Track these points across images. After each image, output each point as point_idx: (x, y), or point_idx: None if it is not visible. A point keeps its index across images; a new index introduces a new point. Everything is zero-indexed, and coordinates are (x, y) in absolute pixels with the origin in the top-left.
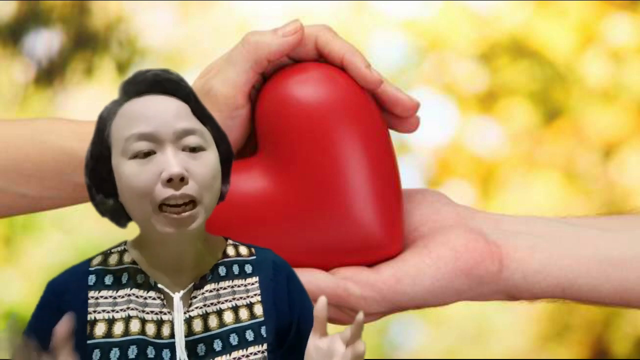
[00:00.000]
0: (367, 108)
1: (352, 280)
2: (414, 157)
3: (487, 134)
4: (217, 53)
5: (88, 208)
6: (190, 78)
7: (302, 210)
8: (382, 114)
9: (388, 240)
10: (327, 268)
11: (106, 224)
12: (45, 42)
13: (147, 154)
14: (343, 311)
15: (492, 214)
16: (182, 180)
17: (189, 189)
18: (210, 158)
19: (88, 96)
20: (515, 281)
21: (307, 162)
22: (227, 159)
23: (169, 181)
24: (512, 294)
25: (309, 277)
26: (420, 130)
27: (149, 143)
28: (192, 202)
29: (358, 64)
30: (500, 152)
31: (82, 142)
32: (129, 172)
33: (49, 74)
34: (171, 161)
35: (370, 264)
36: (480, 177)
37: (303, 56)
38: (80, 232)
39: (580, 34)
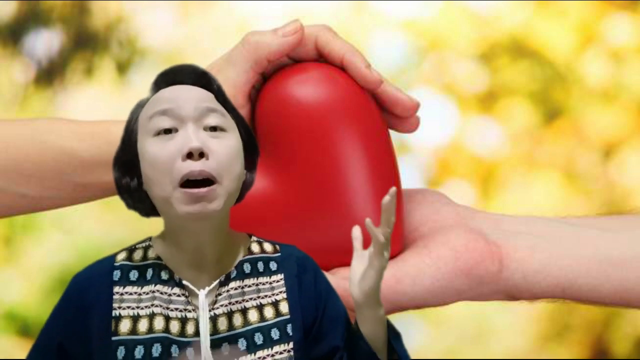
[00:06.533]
0: (367, 108)
1: None
2: (414, 157)
3: (487, 134)
4: (217, 53)
5: (88, 208)
6: None
7: (302, 210)
8: (382, 114)
9: None
10: (327, 268)
11: (106, 223)
12: (45, 42)
13: (169, 131)
14: None
15: (492, 214)
16: (202, 155)
17: (209, 166)
18: (231, 139)
19: (88, 96)
20: (515, 281)
21: (307, 162)
22: (252, 150)
23: (189, 156)
24: (512, 294)
25: None
26: (420, 130)
27: (170, 120)
28: (211, 182)
29: (358, 64)
30: (500, 152)
31: (82, 142)
32: (151, 149)
33: (49, 74)
34: (191, 136)
35: None
36: (480, 177)
37: (303, 56)
38: (80, 232)
39: (580, 34)
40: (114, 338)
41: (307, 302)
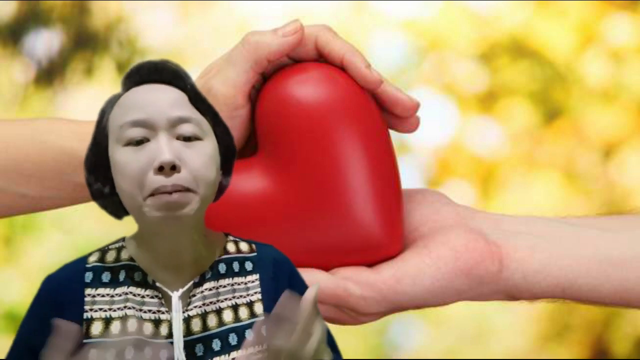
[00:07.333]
0: (367, 108)
1: (352, 280)
2: (414, 157)
3: (487, 134)
4: (217, 53)
5: (88, 208)
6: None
7: (302, 210)
8: (382, 114)
9: (388, 240)
10: (327, 268)
11: (106, 223)
12: (45, 42)
13: (140, 142)
14: (343, 311)
15: (492, 214)
16: (174, 168)
17: (181, 178)
18: (206, 147)
19: (88, 96)
20: (515, 281)
21: (307, 162)
22: (229, 152)
23: (161, 169)
24: (512, 294)
25: (309, 277)
26: (420, 130)
27: (142, 130)
28: (184, 190)
29: (358, 64)
30: (500, 152)
31: (82, 142)
32: (121, 159)
33: (49, 74)
34: (163, 148)
35: (370, 264)
36: (480, 177)
37: (303, 56)
38: (80, 232)
39: (580, 34)
40: (85, 340)
41: None
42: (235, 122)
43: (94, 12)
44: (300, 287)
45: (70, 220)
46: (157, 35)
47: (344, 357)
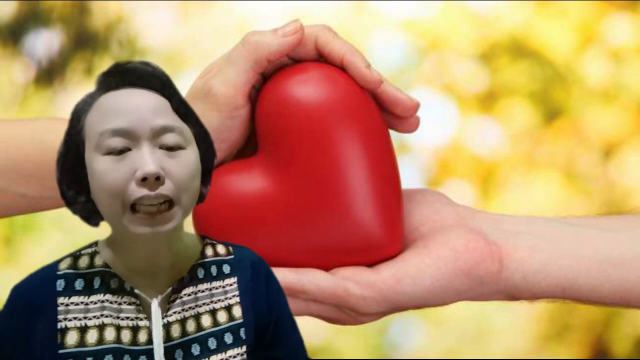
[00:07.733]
0: (367, 108)
1: (352, 280)
2: (414, 157)
3: (487, 134)
4: (217, 53)
5: None
6: (190, 78)
7: (302, 210)
8: (382, 114)
9: (388, 240)
10: (327, 268)
11: (106, 224)
12: (45, 42)
13: (122, 151)
14: (343, 311)
15: (492, 214)
16: (158, 179)
17: (165, 189)
18: (189, 157)
19: None
20: (515, 281)
21: (307, 162)
22: (209, 159)
23: (144, 180)
24: (512, 294)
25: (309, 277)
26: (420, 130)
27: (124, 139)
28: (167, 202)
29: (358, 64)
30: (500, 152)
31: None
32: (101, 168)
33: (49, 74)
34: (146, 159)
35: (370, 264)
36: (480, 177)
37: (303, 56)
38: (80, 232)
39: (580, 34)
40: (60, 351)
41: (260, 305)
42: (235, 122)
43: (94, 12)
44: (275, 288)
45: (70, 220)
46: (157, 35)
47: (344, 357)
